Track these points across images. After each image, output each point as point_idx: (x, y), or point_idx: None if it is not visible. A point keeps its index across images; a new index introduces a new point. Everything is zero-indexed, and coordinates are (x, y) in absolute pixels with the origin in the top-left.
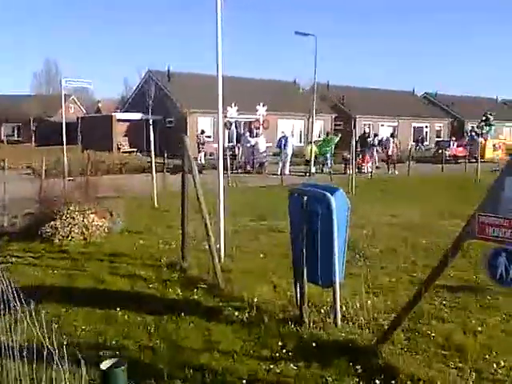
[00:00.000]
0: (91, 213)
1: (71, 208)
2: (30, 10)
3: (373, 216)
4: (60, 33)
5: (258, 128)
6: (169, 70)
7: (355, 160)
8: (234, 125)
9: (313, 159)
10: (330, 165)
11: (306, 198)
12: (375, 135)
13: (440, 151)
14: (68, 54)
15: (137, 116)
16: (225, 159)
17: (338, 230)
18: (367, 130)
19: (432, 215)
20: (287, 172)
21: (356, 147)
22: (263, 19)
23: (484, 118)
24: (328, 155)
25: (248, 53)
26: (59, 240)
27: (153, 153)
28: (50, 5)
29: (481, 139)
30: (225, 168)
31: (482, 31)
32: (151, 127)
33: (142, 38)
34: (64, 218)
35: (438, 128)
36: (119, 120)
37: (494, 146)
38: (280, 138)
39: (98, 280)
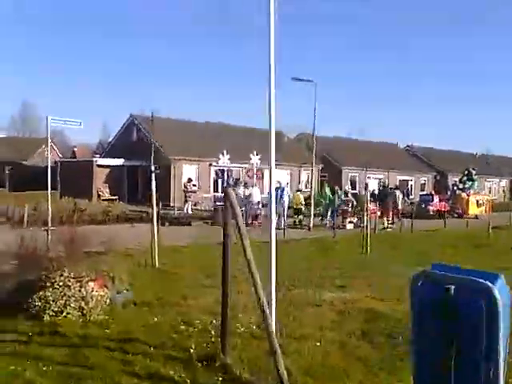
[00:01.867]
0: (89, 280)
1: (65, 274)
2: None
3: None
4: (37, 76)
5: (252, 178)
6: (152, 115)
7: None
8: (225, 174)
9: (312, 212)
10: (329, 219)
11: (449, 287)
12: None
13: (423, 206)
14: (44, 99)
15: (119, 162)
16: (214, 209)
17: (503, 336)
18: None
19: None
20: (283, 224)
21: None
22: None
23: (466, 173)
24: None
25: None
26: (50, 316)
27: (154, 202)
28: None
29: (464, 194)
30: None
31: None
32: (153, 174)
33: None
34: (57, 286)
35: (423, 181)
36: (100, 166)
37: (477, 201)
38: (276, 189)
39: None
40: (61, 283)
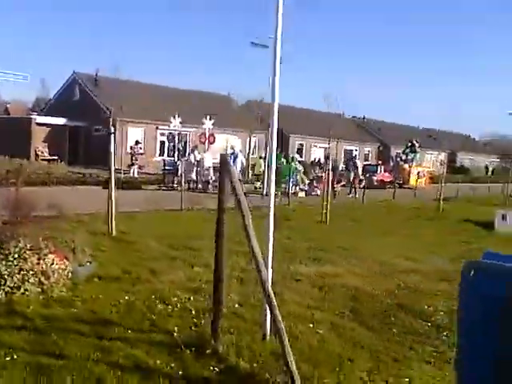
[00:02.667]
0: (49, 252)
1: (20, 244)
2: None
3: (388, 259)
4: None
5: (204, 143)
6: (97, 74)
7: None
8: (176, 138)
9: (266, 178)
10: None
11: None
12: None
13: (367, 175)
14: None
15: (60, 121)
16: (164, 174)
17: None
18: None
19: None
20: None
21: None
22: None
23: (409, 144)
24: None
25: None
26: (7, 294)
27: (112, 166)
28: None
29: (406, 165)
30: (163, 183)
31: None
32: (112, 136)
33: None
34: (11, 258)
35: (367, 152)
36: (39, 124)
37: (418, 173)
38: (230, 154)
39: (89, 379)
40: (16, 255)
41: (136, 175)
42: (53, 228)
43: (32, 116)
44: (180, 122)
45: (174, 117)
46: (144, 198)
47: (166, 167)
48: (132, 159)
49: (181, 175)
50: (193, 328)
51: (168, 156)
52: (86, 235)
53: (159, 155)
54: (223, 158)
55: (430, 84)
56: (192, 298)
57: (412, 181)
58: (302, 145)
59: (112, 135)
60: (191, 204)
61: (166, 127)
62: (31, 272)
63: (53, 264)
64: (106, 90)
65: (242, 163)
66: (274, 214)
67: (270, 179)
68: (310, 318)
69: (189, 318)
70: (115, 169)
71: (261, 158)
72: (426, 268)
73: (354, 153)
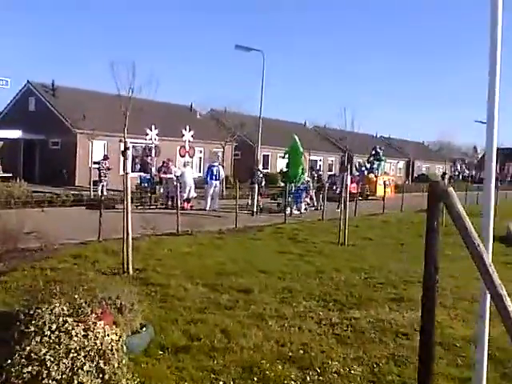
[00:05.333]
0: (96, 316)
1: (57, 307)
2: None
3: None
4: None
5: (184, 156)
6: (53, 83)
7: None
8: (153, 152)
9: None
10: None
11: None
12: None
13: (334, 187)
14: None
15: (14, 134)
16: (141, 192)
17: None
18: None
19: None
20: (216, 207)
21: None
22: None
23: (373, 153)
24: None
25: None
26: None
27: (129, 184)
28: None
29: (372, 175)
30: (140, 203)
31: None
32: (129, 150)
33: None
34: (48, 332)
35: (330, 162)
36: None
37: (384, 182)
38: (210, 167)
39: None
40: (53, 326)
41: (105, 193)
42: (53, 267)
43: None
44: (157, 134)
45: (151, 128)
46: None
47: (143, 184)
48: (100, 175)
49: (169, 193)
50: None
51: (133, 171)
52: (100, 277)
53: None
54: (436, 187)
55: (383, 92)
56: (307, 378)
57: (379, 191)
58: (267, 156)
59: (127, 150)
60: (187, 226)
61: (132, 140)
62: (83, 353)
63: (105, 336)
64: (64, 100)
65: (222, 176)
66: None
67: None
68: None
69: None
70: (78, 186)
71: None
72: None
73: (319, 163)
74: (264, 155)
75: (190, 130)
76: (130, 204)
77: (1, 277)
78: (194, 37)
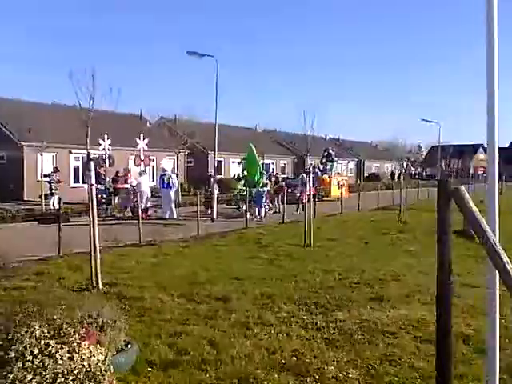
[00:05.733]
0: (79, 337)
1: (36, 330)
2: None
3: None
4: None
5: (139, 165)
6: None
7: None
8: (107, 162)
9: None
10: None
11: None
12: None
13: (290, 190)
14: None
15: None
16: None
17: None
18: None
19: None
20: (175, 216)
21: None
22: None
23: (326, 154)
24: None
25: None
26: None
27: (94, 197)
28: None
29: (326, 176)
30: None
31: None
32: (91, 162)
33: None
34: (30, 357)
35: (283, 165)
36: None
37: (338, 183)
38: (161, 176)
39: None
40: (35, 351)
41: (56, 206)
42: (17, 286)
43: None
44: (109, 144)
45: (104, 139)
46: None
47: (100, 195)
48: (51, 188)
49: (126, 203)
50: None
51: (83, 183)
52: (69, 294)
53: (74, 182)
54: (456, 192)
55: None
56: None
57: (333, 192)
58: (220, 161)
59: (91, 161)
60: (149, 236)
61: (80, 151)
62: (71, 377)
63: (92, 356)
64: (6, 112)
65: (176, 184)
66: None
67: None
68: None
69: None
70: (27, 200)
71: (237, 178)
72: None
73: (272, 166)
74: (217, 161)
75: (144, 139)
76: (96, 216)
77: None
78: (139, 42)
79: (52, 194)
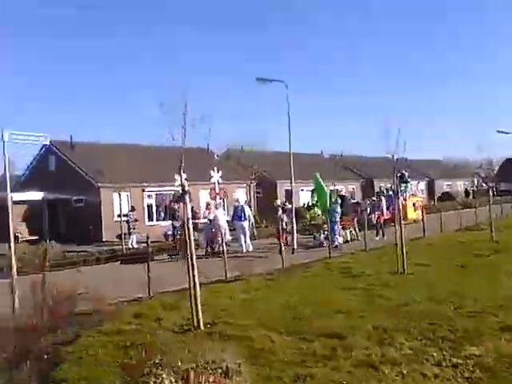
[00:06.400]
0: (210, 381)
1: (164, 378)
2: None
3: None
4: None
5: (215, 198)
6: (71, 139)
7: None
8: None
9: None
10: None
11: None
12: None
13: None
14: None
15: (37, 196)
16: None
17: None
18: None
19: None
20: (251, 248)
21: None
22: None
23: (399, 175)
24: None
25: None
26: None
27: (191, 236)
28: None
29: (401, 199)
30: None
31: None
32: (187, 195)
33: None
34: None
35: (351, 189)
36: (15, 202)
37: (413, 204)
38: (235, 208)
39: None
40: None
41: (135, 245)
42: (118, 330)
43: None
44: (185, 179)
45: (180, 173)
46: (173, 271)
47: (174, 231)
48: (129, 227)
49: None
50: None
51: (157, 220)
52: (173, 336)
53: (148, 220)
54: None
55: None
56: None
57: (409, 214)
58: (288, 190)
59: (185, 194)
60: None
61: (153, 189)
62: None
63: None
64: (82, 156)
65: (250, 216)
66: None
67: None
68: None
69: None
70: (106, 241)
71: (307, 207)
72: None
73: (342, 192)
74: (285, 190)
75: (218, 171)
76: (194, 253)
77: (67, 347)
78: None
79: (130, 234)
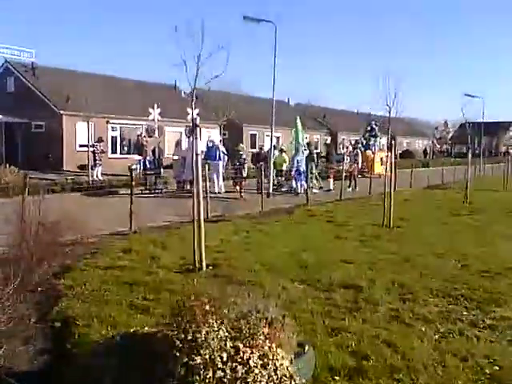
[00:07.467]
0: (264, 338)
1: (221, 331)
2: None
3: None
4: None
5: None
6: (33, 63)
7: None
8: (156, 132)
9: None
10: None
11: None
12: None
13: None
14: None
15: None
16: (146, 176)
17: None
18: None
19: None
20: (223, 189)
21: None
22: None
23: (369, 129)
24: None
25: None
26: None
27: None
28: None
29: (369, 152)
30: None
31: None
32: (195, 136)
33: None
34: (220, 365)
35: (316, 140)
36: None
37: (381, 159)
38: (209, 148)
39: None
40: (224, 356)
41: (100, 177)
42: (111, 265)
43: None
44: (159, 113)
45: (153, 107)
46: (148, 205)
47: (149, 166)
48: (95, 158)
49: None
50: None
51: (121, 154)
52: (176, 277)
53: (112, 153)
54: None
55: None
56: None
57: (376, 168)
58: (254, 135)
59: (196, 127)
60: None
61: (118, 121)
62: None
63: (282, 363)
64: (45, 81)
65: (225, 156)
66: None
67: None
68: None
69: None
70: (66, 171)
71: (282, 151)
72: None
73: (306, 141)
74: (251, 134)
75: (195, 108)
76: (201, 188)
77: (59, 280)
78: None
79: (96, 165)
